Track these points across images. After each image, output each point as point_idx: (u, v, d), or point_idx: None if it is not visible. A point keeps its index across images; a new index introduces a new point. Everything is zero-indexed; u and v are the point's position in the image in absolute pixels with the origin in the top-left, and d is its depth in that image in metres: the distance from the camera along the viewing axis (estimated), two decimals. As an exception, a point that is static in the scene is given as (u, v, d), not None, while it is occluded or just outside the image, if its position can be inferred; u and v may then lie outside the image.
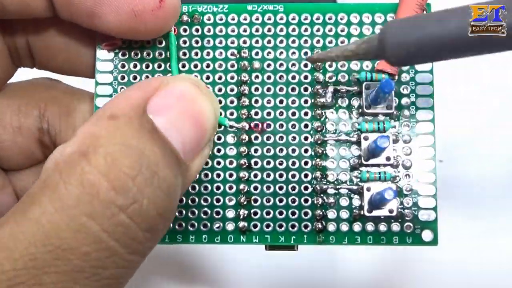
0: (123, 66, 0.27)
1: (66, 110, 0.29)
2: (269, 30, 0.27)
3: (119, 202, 0.18)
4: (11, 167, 0.30)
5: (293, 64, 0.27)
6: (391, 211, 0.25)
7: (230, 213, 0.26)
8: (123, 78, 0.27)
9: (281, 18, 0.27)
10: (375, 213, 0.25)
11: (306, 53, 0.27)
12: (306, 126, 0.26)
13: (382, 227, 0.26)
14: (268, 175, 0.26)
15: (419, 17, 0.21)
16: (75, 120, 0.28)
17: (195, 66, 0.27)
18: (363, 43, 0.22)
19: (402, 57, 0.21)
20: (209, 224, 0.26)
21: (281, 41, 0.27)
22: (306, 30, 0.27)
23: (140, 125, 0.20)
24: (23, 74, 0.30)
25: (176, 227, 0.26)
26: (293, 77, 0.27)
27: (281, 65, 0.27)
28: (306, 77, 0.27)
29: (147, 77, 0.27)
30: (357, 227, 0.26)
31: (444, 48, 0.20)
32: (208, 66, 0.27)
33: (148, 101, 0.21)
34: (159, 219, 0.19)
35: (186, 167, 0.21)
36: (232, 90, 0.27)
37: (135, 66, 0.27)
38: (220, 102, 0.27)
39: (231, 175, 0.26)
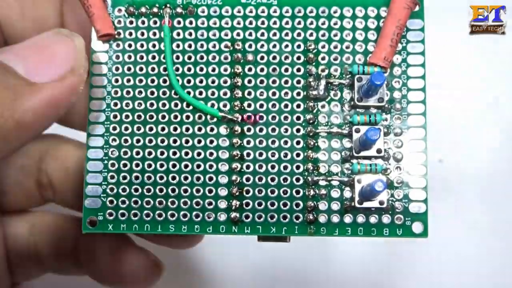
0: (117, 57, 0.27)
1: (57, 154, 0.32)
2: (262, 23, 0.27)
3: None
4: (11, 207, 0.31)
5: (286, 57, 0.27)
6: (381, 202, 0.25)
7: (222, 204, 0.26)
8: (117, 69, 0.27)
9: (275, 11, 0.27)
10: (366, 204, 0.25)
11: (299, 46, 0.27)
12: (298, 118, 0.26)
13: (373, 219, 0.26)
14: (260, 167, 0.26)
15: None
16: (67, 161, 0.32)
17: (189, 58, 0.27)
18: None
19: None
20: (201, 215, 0.26)
21: (275, 34, 0.27)
22: (299, 23, 0.27)
23: None
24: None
25: (169, 217, 0.26)
26: (286, 70, 0.27)
27: (274, 57, 0.27)
28: (299, 70, 0.27)
29: (141, 69, 0.27)
30: (348, 218, 0.26)
31: None
32: (201, 58, 0.27)
33: None
34: None
35: (31, 84, 0.22)
36: (225, 82, 0.27)
37: (129, 57, 0.27)
38: (213, 93, 0.27)
39: (223, 166, 0.26)
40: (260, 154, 0.26)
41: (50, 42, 0.24)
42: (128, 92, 0.27)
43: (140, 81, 0.27)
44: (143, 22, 0.27)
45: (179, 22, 0.27)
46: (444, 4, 0.38)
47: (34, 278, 0.35)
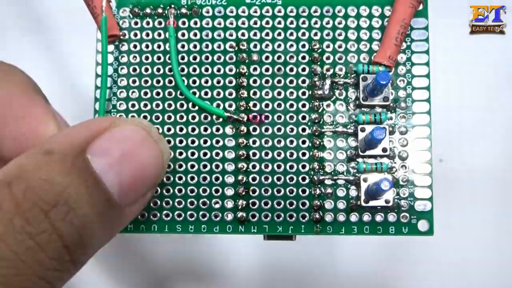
0: (122, 58, 0.27)
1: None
2: (267, 22, 0.27)
3: (27, 230, 0.19)
4: None
5: (291, 57, 0.27)
6: (387, 201, 0.25)
7: (229, 204, 0.26)
8: (122, 70, 0.27)
9: (279, 11, 0.27)
10: (372, 203, 0.26)
11: (304, 46, 0.27)
12: (303, 117, 0.27)
13: (379, 218, 0.26)
14: (266, 166, 0.26)
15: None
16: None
17: (194, 58, 0.27)
18: None
19: None
20: (208, 214, 0.26)
21: (279, 34, 0.27)
22: (304, 22, 0.27)
23: (72, 163, 0.20)
24: None
25: (176, 217, 0.26)
26: (291, 69, 0.27)
27: (279, 57, 0.27)
28: (304, 70, 0.27)
29: (146, 69, 0.27)
30: (354, 217, 0.26)
31: None
32: (206, 58, 0.27)
33: (91, 141, 0.21)
34: (64, 251, 0.20)
35: (119, 209, 0.22)
36: (230, 82, 0.27)
37: (134, 58, 0.27)
38: (219, 94, 0.27)
39: (229, 166, 0.26)
40: (266, 154, 0.26)
41: (139, 149, 0.22)
42: (133, 93, 0.27)
43: (146, 82, 0.27)
44: (148, 23, 0.27)
45: (184, 23, 0.27)
46: (444, 4, 0.38)
47: None
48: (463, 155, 0.43)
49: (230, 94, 0.27)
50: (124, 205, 0.22)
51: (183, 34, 0.27)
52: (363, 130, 0.26)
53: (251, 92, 0.27)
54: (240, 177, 0.26)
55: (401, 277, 0.41)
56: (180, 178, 0.26)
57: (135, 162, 0.22)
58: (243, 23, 0.27)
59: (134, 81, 0.27)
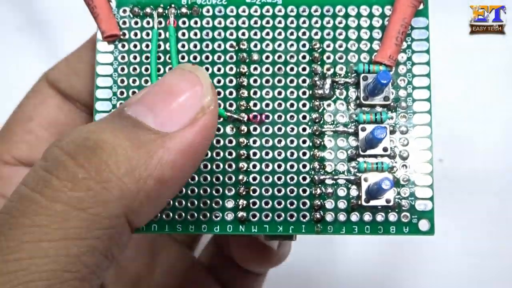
0: (123, 58, 0.27)
1: None
2: (267, 22, 0.27)
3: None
4: None
5: (292, 56, 0.27)
6: (388, 201, 0.25)
7: (229, 203, 0.26)
8: (123, 70, 0.27)
9: (280, 10, 0.27)
10: (373, 203, 0.26)
11: (304, 45, 0.27)
12: (304, 117, 0.27)
13: (379, 217, 0.26)
14: (267, 166, 0.26)
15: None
16: None
17: (194, 58, 0.27)
18: None
19: None
20: (208, 214, 0.26)
21: (280, 33, 0.27)
22: (304, 22, 0.27)
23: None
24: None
25: (176, 217, 0.26)
26: (292, 69, 0.27)
27: (279, 57, 0.27)
28: (304, 69, 0.27)
29: (146, 69, 0.27)
30: (354, 217, 0.26)
31: None
32: (207, 58, 0.27)
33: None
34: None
35: (163, 135, 0.21)
36: (231, 81, 0.27)
37: (135, 58, 0.27)
38: (219, 93, 0.27)
39: (230, 166, 0.26)
40: (267, 154, 0.26)
41: (174, 84, 0.22)
42: (134, 93, 0.27)
43: (146, 81, 0.27)
44: (148, 23, 0.27)
45: (184, 22, 0.27)
46: (444, 4, 0.38)
47: None
48: (463, 155, 0.43)
49: (231, 93, 0.27)
50: (168, 130, 0.21)
51: (183, 34, 0.27)
52: (363, 129, 0.26)
53: (252, 91, 0.27)
54: (240, 177, 0.26)
55: (401, 276, 0.41)
56: (180, 178, 0.26)
57: (164, 91, 0.22)
58: (243, 22, 0.27)
59: (134, 81, 0.27)
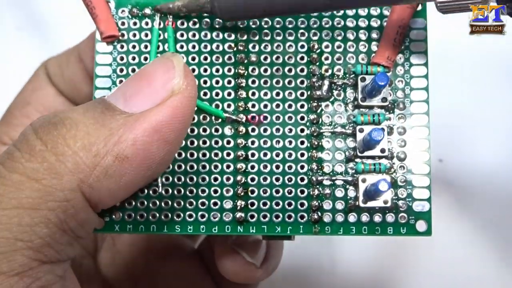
0: (121, 59, 0.27)
1: None
2: (266, 22, 0.27)
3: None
4: None
5: (290, 57, 0.27)
6: (385, 202, 0.25)
7: (228, 204, 0.26)
8: (121, 70, 0.27)
9: (278, 11, 0.27)
10: (370, 204, 0.26)
11: (302, 46, 0.27)
12: (302, 118, 0.27)
13: (377, 218, 0.26)
14: (265, 167, 0.26)
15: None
16: None
17: (193, 59, 0.27)
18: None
19: (230, 11, 0.25)
20: (206, 215, 0.26)
21: (278, 34, 0.27)
22: (302, 23, 0.27)
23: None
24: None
25: (175, 217, 0.26)
26: (290, 70, 0.27)
27: (277, 58, 0.27)
28: (302, 70, 0.27)
29: (145, 69, 0.27)
30: (352, 217, 0.26)
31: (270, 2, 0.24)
32: (205, 59, 0.27)
33: None
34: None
35: (128, 115, 0.22)
36: (229, 82, 0.27)
37: (133, 58, 0.27)
38: (217, 94, 0.27)
39: (228, 167, 0.27)
40: (265, 154, 0.27)
41: (150, 70, 0.23)
42: (132, 94, 0.27)
43: (145, 82, 0.27)
44: (146, 23, 0.27)
45: (182, 23, 0.27)
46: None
47: None
48: (463, 155, 0.43)
49: (229, 94, 0.27)
50: (133, 111, 0.22)
51: (182, 35, 0.27)
52: (361, 130, 0.26)
53: (250, 92, 0.27)
54: (239, 178, 0.26)
55: (399, 277, 0.41)
56: (179, 179, 0.26)
57: (140, 77, 0.23)
58: (241, 23, 0.27)
59: (133, 82, 0.27)
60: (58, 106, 0.32)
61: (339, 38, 0.27)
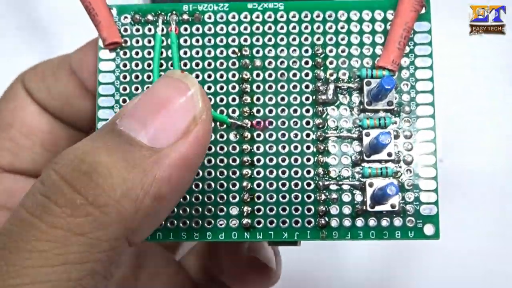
0: (124, 65, 0.27)
1: None
2: (269, 28, 0.27)
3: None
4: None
5: (294, 62, 0.27)
6: (393, 206, 0.25)
7: (234, 210, 0.26)
8: (125, 77, 0.27)
9: (282, 16, 0.27)
10: (378, 208, 0.25)
11: (306, 51, 0.27)
12: (307, 123, 0.26)
13: (385, 222, 0.26)
14: (271, 172, 0.26)
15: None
16: None
17: (197, 64, 0.27)
18: None
19: None
20: (213, 222, 0.26)
21: (282, 39, 0.27)
22: (306, 27, 0.27)
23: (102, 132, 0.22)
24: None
25: (181, 224, 0.26)
26: (294, 75, 0.27)
27: (282, 62, 0.27)
28: (307, 75, 0.27)
29: (148, 76, 0.27)
30: (359, 222, 0.26)
31: None
32: (209, 64, 0.27)
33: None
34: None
35: (156, 151, 0.21)
36: (233, 88, 0.27)
37: (136, 65, 0.27)
38: (222, 100, 0.27)
39: (234, 173, 0.26)
40: (271, 160, 0.26)
41: (164, 94, 0.22)
42: (136, 100, 0.27)
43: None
44: (149, 30, 0.27)
45: (185, 29, 0.27)
46: (444, 4, 0.38)
47: None
48: (463, 155, 0.43)
49: (234, 100, 0.27)
50: (159, 146, 0.21)
51: (185, 40, 0.27)
52: (367, 134, 0.26)
53: (255, 97, 0.27)
54: (244, 184, 0.26)
55: (405, 281, 0.41)
56: (184, 186, 0.26)
57: (158, 106, 0.22)
58: (245, 28, 0.27)
59: (136, 88, 0.27)
60: (44, 126, 0.30)
61: (343, 42, 0.27)
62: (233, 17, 0.27)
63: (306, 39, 0.27)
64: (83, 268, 0.19)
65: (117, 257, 0.21)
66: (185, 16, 0.27)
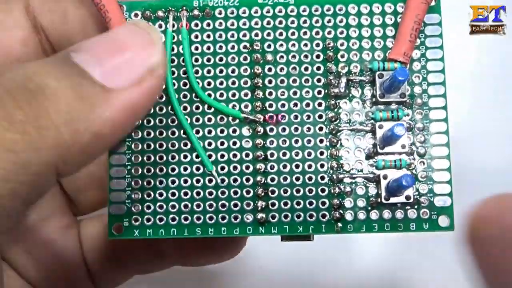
0: (136, 62, 0.27)
1: None
2: (280, 22, 0.27)
3: None
4: (86, 207, 0.32)
5: (306, 56, 0.27)
6: (408, 197, 0.25)
7: (248, 205, 0.26)
8: (136, 74, 0.27)
9: (292, 10, 0.27)
10: (393, 200, 0.25)
11: (318, 45, 0.27)
12: (320, 116, 0.26)
13: (399, 214, 0.26)
14: (285, 166, 0.26)
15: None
16: None
17: (208, 60, 0.27)
18: None
19: None
20: (227, 217, 0.26)
21: (293, 33, 0.27)
22: (317, 21, 0.27)
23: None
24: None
25: (195, 220, 0.26)
26: (306, 69, 0.27)
27: (293, 56, 0.27)
28: (318, 68, 0.27)
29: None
30: (374, 215, 0.26)
31: None
32: (221, 59, 0.27)
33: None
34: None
35: (108, 90, 0.21)
36: (245, 83, 0.27)
37: (148, 61, 0.27)
38: (234, 95, 0.27)
39: (247, 168, 0.26)
40: (284, 154, 0.26)
41: (126, 39, 0.22)
42: (148, 97, 0.27)
43: (160, 85, 0.27)
44: (160, 26, 0.27)
45: (196, 25, 0.27)
46: (444, 4, 0.38)
47: (118, 285, 0.33)
48: (463, 155, 0.43)
49: (246, 95, 0.27)
50: (112, 85, 0.21)
51: (196, 36, 0.27)
52: (381, 127, 0.26)
53: (267, 92, 0.27)
54: (258, 178, 0.26)
55: (417, 273, 0.41)
56: (198, 181, 0.26)
57: (117, 46, 0.22)
58: (256, 23, 0.27)
59: (148, 85, 0.27)
60: (24, 58, 0.29)
61: (354, 35, 0.27)
62: (244, 12, 0.27)
63: (317, 33, 0.27)
64: (5, 187, 0.19)
65: (41, 185, 0.20)
66: (196, 12, 0.27)
